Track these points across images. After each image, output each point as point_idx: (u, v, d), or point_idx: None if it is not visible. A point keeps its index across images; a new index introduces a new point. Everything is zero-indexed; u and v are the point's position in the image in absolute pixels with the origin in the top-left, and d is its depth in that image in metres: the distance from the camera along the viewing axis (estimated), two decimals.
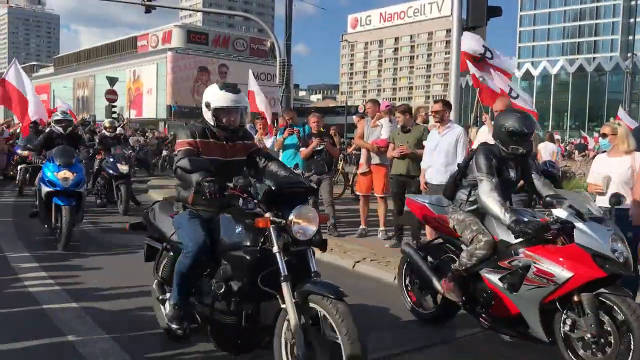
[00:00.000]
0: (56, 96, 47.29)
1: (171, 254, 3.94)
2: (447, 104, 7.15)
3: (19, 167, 12.00)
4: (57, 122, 8.70)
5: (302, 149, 8.43)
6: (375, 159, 8.14)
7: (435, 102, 7.24)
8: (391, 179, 7.81)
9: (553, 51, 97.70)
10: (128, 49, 65.63)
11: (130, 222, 4.61)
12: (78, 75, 69.99)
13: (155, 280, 4.21)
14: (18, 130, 14.31)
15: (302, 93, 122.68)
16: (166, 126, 46.97)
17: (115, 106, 25.68)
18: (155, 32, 62.46)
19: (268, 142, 9.08)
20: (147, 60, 59.88)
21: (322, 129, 8.84)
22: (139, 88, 62.25)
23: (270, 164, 3.92)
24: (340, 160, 14.75)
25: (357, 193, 9.00)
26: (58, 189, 7.17)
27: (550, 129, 52.80)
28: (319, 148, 8.33)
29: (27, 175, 12.73)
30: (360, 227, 8.40)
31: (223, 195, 3.39)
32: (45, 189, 7.26)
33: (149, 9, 19.41)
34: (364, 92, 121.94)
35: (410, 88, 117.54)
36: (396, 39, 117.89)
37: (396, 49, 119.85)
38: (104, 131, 12.19)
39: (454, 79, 8.81)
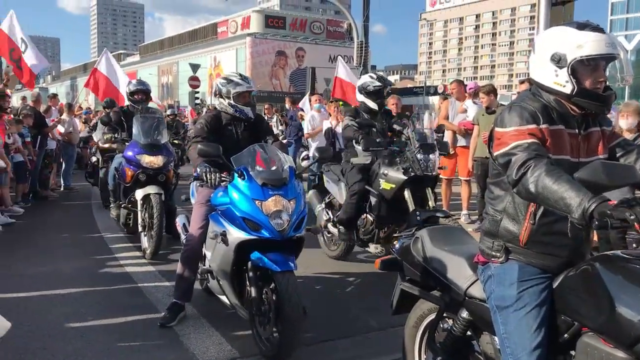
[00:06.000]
0: None
1: (461, 321, 2.59)
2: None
3: (135, 197, 6.36)
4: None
5: None
6: (462, 142, 7.99)
7: (521, 81, 6.98)
8: (475, 161, 7.62)
9: None
10: (209, 36, 67.28)
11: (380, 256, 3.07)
12: (162, 62, 72.61)
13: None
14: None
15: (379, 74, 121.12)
16: None
17: (198, 92, 26.53)
18: (234, 18, 63.61)
19: (339, 128, 9.07)
20: (227, 46, 61.15)
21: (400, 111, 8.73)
22: (220, 74, 63.70)
23: None
24: None
25: (440, 176, 8.86)
26: (267, 235, 3.62)
27: None
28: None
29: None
30: None
31: None
32: (237, 235, 3.68)
33: None
34: (444, 71, 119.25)
35: (493, 66, 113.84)
36: (477, 16, 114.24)
37: (477, 26, 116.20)
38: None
39: None
